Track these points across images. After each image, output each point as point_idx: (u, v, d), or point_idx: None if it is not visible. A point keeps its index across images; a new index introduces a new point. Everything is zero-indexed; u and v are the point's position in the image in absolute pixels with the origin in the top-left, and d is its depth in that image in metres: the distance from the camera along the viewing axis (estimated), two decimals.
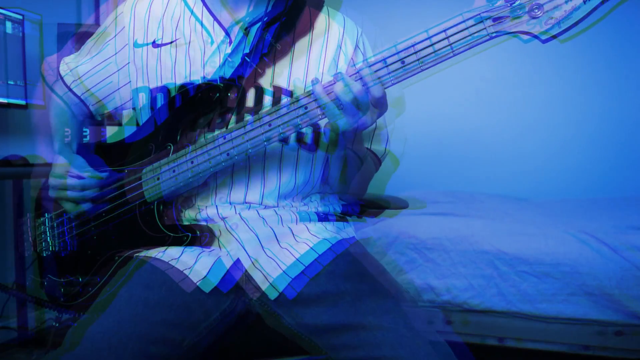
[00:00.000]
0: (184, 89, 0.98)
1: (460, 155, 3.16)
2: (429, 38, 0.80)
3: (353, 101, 0.85)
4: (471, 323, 1.86)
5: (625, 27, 2.90)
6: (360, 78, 0.85)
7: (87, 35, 1.14)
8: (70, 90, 1.12)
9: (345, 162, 1.01)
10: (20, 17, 2.16)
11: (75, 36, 2.16)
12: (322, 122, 0.98)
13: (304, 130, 0.98)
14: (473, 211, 2.31)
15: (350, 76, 0.85)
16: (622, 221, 2.02)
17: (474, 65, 3.01)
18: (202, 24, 1.02)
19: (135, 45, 1.04)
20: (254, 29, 0.99)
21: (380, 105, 0.86)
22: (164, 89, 1.00)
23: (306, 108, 0.88)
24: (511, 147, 3.12)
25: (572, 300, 1.76)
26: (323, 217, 1.04)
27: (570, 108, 3.06)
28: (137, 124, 1.05)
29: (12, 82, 2.14)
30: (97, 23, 2.83)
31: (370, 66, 0.84)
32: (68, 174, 1.01)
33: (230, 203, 1.00)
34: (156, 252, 0.95)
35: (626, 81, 2.98)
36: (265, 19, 0.99)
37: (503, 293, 1.82)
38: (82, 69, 1.11)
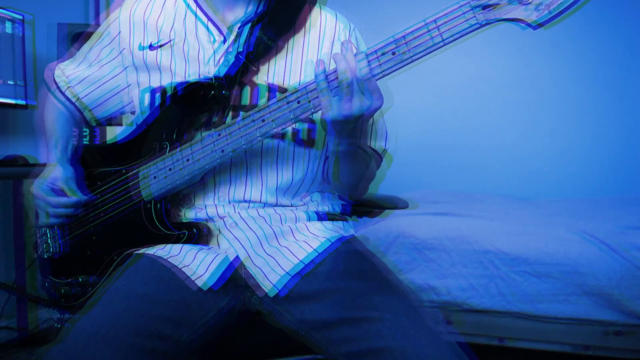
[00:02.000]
0: (178, 88, 0.98)
1: (460, 155, 3.16)
2: (421, 28, 0.80)
3: (347, 83, 0.83)
4: (471, 323, 1.86)
5: (627, 27, 2.90)
6: (367, 63, 0.84)
7: (86, 37, 1.14)
8: (65, 95, 1.13)
9: (337, 159, 1.01)
10: (21, 17, 2.17)
11: (77, 38, 2.16)
12: (317, 117, 0.98)
13: (297, 126, 0.99)
14: (473, 211, 2.31)
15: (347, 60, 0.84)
16: (622, 221, 2.02)
17: (475, 66, 3.01)
18: (197, 24, 1.03)
19: (135, 49, 1.04)
20: (247, 28, 1.00)
21: (373, 91, 0.84)
22: (163, 90, 1.01)
23: (298, 102, 0.88)
24: (511, 148, 3.12)
25: (572, 300, 1.76)
26: (323, 216, 1.04)
27: (570, 108, 3.06)
28: (131, 126, 1.06)
29: (12, 82, 2.14)
30: (98, 23, 2.84)
31: (371, 53, 0.84)
32: (50, 186, 1.02)
33: (229, 201, 1.00)
34: (155, 250, 0.95)
35: (626, 81, 2.98)
36: (257, 18, 1.00)
37: (503, 293, 1.82)
38: (79, 75, 1.12)
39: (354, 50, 0.85)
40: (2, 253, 2.34)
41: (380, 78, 0.84)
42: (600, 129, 3.01)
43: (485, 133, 3.15)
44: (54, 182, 1.02)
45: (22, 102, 2.18)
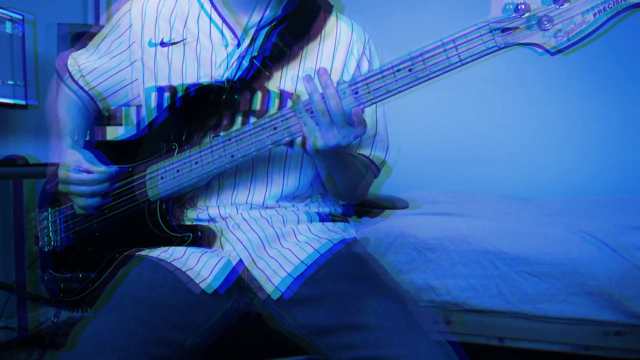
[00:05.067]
0: (190, 89, 0.98)
1: (460, 155, 3.16)
2: (439, 47, 0.80)
3: (326, 116, 0.84)
4: (471, 323, 1.86)
5: (627, 27, 2.90)
6: (337, 94, 0.83)
7: (89, 35, 1.14)
8: (79, 85, 1.12)
9: (335, 169, 1.00)
10: (21, 17, 2.17)
11: (78, 37, 2.16)
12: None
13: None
14: (473, 211, 2.31)
15: (331, 91, 0.84)
16: (622, 221, 2.02)
17: (475, 66, 3.01)
18: (211, 25, 1.02)
19: (145, 44, 1.03)
20: (263, 32, 0.99)
21: (355, 122, 0.84)
22: (172, 89, 1.00)
23: (311, 113, 0.87)
24: (511, 147, 3.12)
25: (572, 300, 1.76)
26: (324, 218, 1.04)
27: (570, 108, 3.06)
28: (138, 123, 1.05)
29: (12, 82, 2.14)
30: (97, 23, 2.84)
31: (352, 82, 0.83)
32: (78, 167, 1.00)
33: (232, 204, 1.00)
34: (159, 252, 0.95)
35: (627, 81, 2.98)
36: (273, 23, 0.99)
37: (503, 293, 1.82)
38: (89, 66, 1.11)
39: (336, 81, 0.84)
40: (2, 253, 2.34)
41: (393, 95, 0.84)
42: (600, 129, 3.01)
43: (485, 133, 3.15)
44: (78, 165, 1.00)
45: (22, 102, 2.18)
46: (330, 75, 0.85)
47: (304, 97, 0.87)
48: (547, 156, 3.08)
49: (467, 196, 2.73)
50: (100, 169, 0.99)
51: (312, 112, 0.85)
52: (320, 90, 0.84)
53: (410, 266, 1.93)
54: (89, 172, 0.99)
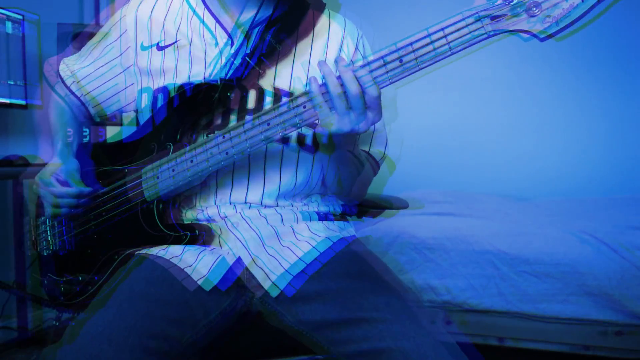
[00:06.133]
0: (182, 89, 0.98)
1: (460, 155, 3.16)
2: (428, 36, 0.80)
3: (344, 101, 0.83)
4: (471, 323, 1.86)
5: (625, 26, 2.90)
6: (356, 79, 0.82)
7: (89, 36, 1.14)
8: (71, 92, 1.13)
9: (340, 165, 1.01)
10: (20, 17, 2.17)
11: (77, 37, 2.16)
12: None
13: (303, 130, 0.98)
14: (473, 211, 2.31)
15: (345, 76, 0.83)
16: (622, 221, 2.03)
17: (474, 66, 3.01)
18: (204, 25, 1.02)
19: (139, 48, 1.04)
20: (255, 31, 1.00)
21: (373, 108, 0.84)
22: (165, 90, 1.01)
23: (304, 107, 0.87)
24: (511, 147, 3.13)
25: (572, 300, 1.76)
26: (323, 217, 1.04)
27: (570, 108, 3.06)
28: (136, 125, 1.06)
29: (12, 82, 2.14)
30: (98, 23, 2.84)
31: (366, 65, 0.83)
32: (54, 177, 1.01)
33: (230, 203, 1.00)
34: (157, 250, 0.95)
35: (626, 80, 2.98)
36: (265, 21, 1.00)
37: (503, 293, 1.82)
38: (84, 72, 1.11)
39: (356, 64, 0.83)
40: (2, 252, 2.34)
41: (382, 87, 0.83)
42: (600, 128, 3.02)
43: (486, 133, 3.15)
44: (58, 174, 1.02)
45: (22, 102, 2.18)
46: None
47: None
48: (547, 156, 3.08)
49: (467, 196, 2.73)
50: (75, 184, 1.01)
51: (328, 95, 0.84)
52: (337, 74, 0.83)
53: (410, 266, 1.94)
54: (64, 183, 1.01)
